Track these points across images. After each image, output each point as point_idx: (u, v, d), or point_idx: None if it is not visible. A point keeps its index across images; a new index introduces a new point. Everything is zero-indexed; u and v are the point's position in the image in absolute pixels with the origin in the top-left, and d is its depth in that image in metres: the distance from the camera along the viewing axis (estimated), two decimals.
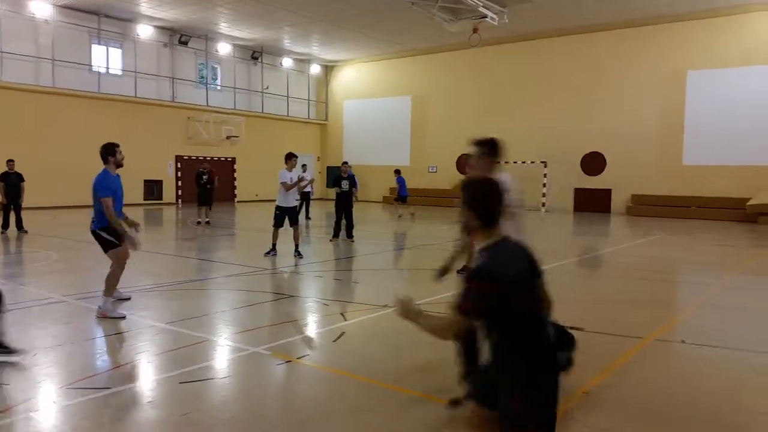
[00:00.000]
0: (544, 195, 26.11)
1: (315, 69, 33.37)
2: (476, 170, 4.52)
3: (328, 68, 34.08)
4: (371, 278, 9.38)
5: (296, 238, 11.05)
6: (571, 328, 4.98)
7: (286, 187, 10.75)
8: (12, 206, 14.50)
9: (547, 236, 16.41)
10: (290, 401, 4.37)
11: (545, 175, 26.10)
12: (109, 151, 6.58)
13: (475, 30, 21.64)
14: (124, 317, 6.40)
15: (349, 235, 13.54)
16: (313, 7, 22.38)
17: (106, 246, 6.59)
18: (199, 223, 17.48)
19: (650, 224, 19.86)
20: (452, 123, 29.08)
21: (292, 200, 10.98)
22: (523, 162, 25.74)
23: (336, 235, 13.63)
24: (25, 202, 14.97)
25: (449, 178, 29.03)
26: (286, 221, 10.93)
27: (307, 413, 4.08)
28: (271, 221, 11.02)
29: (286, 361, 5.07)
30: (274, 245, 11.03)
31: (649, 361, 5.33)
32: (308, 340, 5.77)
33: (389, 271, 10.46)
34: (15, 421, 3.81)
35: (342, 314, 6.78)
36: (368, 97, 32.50)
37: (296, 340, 5.80)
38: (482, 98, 28.25)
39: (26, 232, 14.42)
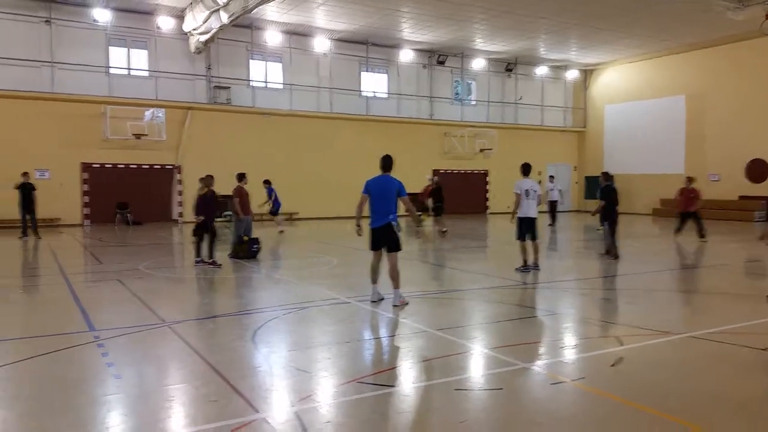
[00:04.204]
0: None
1: (572, 74, 32.09)
2: None
3: (587, 72, 32.47)
4: (646, 300, 8.49)
5: (535, 251, 10.62)
6: None
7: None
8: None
9: None
10: (566, 424, 4.10)
11: None
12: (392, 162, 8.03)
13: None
14: (407, 303, 7.56)
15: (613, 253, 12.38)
16: (571, 11, 21.54)
17: (397, 244, 7.57)
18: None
19: None
20: (739, 124, 25.20)
21: (531, 211, 10.56)
22: None
23: (609, 252, 12.50)
24: (306, 212, 16.47)
25: (735, 187, 25.18)
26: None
27: None
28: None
29: (560, 382, 4.82)
30: (525, 260, 10.63)
31: None
32: (583, 362, 5.42)
33: (666, 293, 9.35)
34: (317, 407, 4.28)
35: (618, 338, 6.23)
36: (633, 100, 29.96)
37: (569, 360, 5.50)
38: None
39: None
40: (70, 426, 3.95)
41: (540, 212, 10.82)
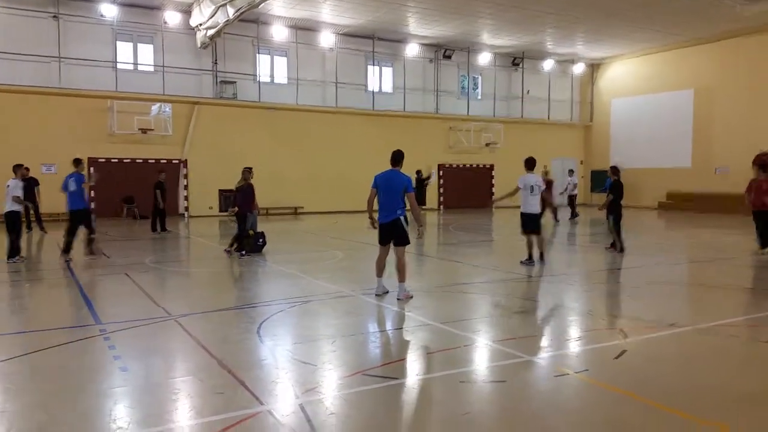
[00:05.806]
0: None
1: (579, 69, 31.93)
2: None
3: (594, 66, 32.30)
4: (651, 293, 8.48)
5: (540, 245, 10.62)
6: None
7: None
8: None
9: None
10: (570, 416, 4.10)
11: None
12: (402, 157, 8.02)
13: None
14: (412, 297, 7.59)
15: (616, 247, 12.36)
16: (580, 5, 21.42)
17: (404, 239, 7.55)
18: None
19: None
20: (748, 118, 25.04)
21: (531, 206, 10.51)
22: None
23: (614, 245, 12.47)
24: (311, 206, 16.97)
25: (742, 181, 24.99)
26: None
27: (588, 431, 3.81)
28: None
29: (564, 374, 4.82)
30: (530, 254, 10.63)
31: None
32: (587, 355, 5.43)
33: (671, 285, 9.33)
34: (321, 399, 4.31)
35: (622, 330, 6.23)
36: (640, 94, 29.83)
37: (572, 352, 5.50)
38: None
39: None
40: (77, 418, 3.99)
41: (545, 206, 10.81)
